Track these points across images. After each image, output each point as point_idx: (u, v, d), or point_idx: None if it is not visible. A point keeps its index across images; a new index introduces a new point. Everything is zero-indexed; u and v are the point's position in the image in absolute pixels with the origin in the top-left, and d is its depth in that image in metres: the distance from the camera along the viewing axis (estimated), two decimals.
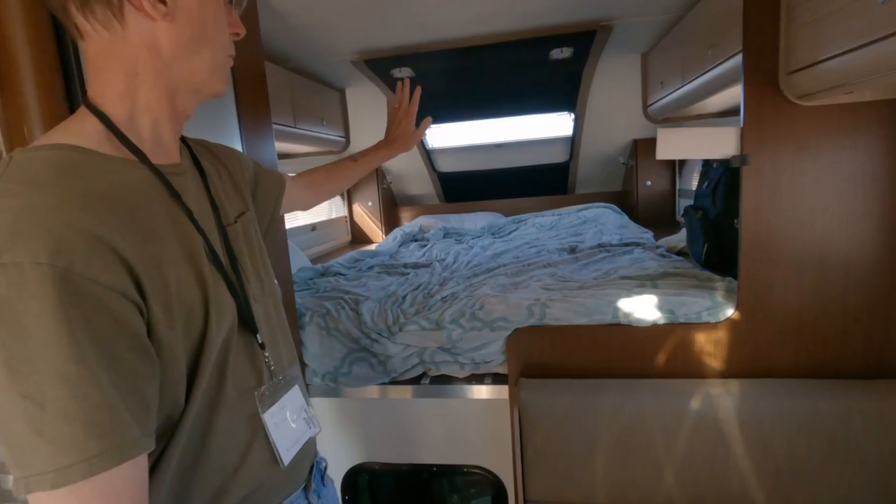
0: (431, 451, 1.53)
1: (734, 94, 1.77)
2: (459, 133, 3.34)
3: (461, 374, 1.46)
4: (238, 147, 1.22)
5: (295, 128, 2.16)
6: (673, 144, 1.22)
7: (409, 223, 3.43)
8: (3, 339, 0.43)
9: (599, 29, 1.91)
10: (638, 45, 2.33)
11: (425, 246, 2.94)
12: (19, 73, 0.75)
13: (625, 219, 3.00)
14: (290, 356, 0.77)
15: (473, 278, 1.85)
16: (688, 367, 1.31)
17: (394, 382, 1.49)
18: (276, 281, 0.81)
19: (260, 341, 0.67)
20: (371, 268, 2.28)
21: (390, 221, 3.68)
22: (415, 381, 1.49)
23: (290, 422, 0.71)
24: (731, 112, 2.24)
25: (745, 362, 1.28)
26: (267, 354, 0.68)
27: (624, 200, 3.37)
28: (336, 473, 1.58)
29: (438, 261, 2.36)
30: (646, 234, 2.53)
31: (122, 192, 0.52)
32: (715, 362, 1.30)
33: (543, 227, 3.12)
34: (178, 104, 0.61)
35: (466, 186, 3.62)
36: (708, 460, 1.21)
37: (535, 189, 3.57)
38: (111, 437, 0.45)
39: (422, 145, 3.19)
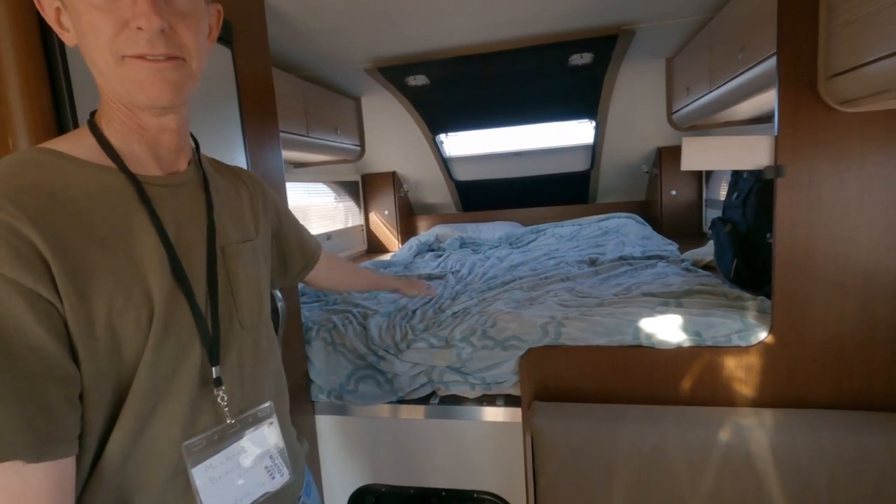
0: (440, 475, 1.46)
1: (766, 100, 1.67)
2: (477, 141, 3.28)
3: (472, 395, 1.39)
4: (242, 157, 1.18)
5: (308, 137, 2.13)
6: (699, 154, 1.14)
7: (425, 232, 3.38)
8: None
9: (621, 33, 1.83)
10: (662, 50, 2.24)
11: (441, 256, 2.88)
12: (4, 81, 0.72)
13: (648, 230, 2.89)
14: (267, 391, 0.68)
15: (487, 292, 1.78)
16: (715, 395, 1.21)
17: (402, 401, 1.43)
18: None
19: (216, 375, 0.59)
20: None
21: (406, 230, 3.64)
22: (423, 400, 1.42)
23: (237, 474, 0.61)
24: (762, 119, 2.13)
25: (780, 391, 1.18)
26: (221, 392, 0.59)
27: (647, 210, 3.25)
28: (342, 494, 1.52)
29: (453, 272, 2.29)
30: (670, 247, 2.42)
31: (78, 194, 0.51)
32: (746, 390, 1.19)
33: (563, 237, 3.03)
34: (140, 118, 0.58)
35: (484, 195, 3.56)
36: (738, 498, 1.11)
37: (555, 198, 3.49)
38: None
39: (439, 154, 3.15)
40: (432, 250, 3.12)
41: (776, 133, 1.10)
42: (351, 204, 3.44)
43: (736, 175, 1.77)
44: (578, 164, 3.23)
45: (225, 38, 1.10)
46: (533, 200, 3.55)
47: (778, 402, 1.17)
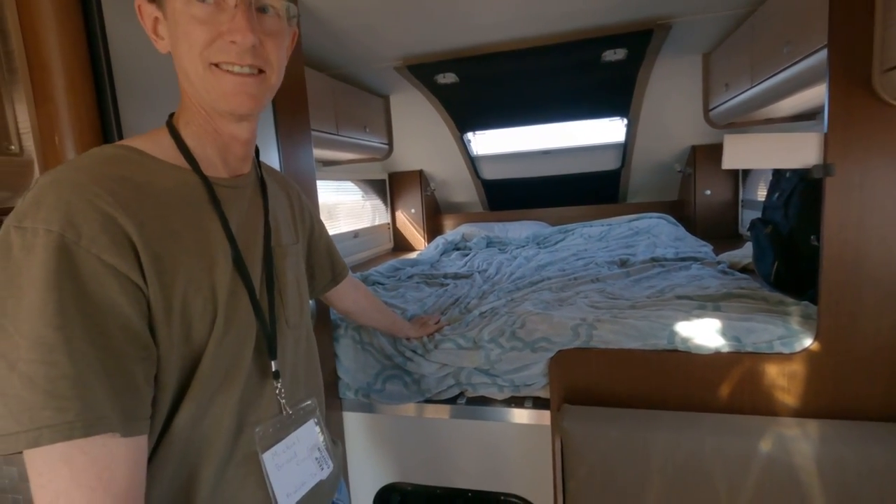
0: (466, 476, 1.44)
1: (811, 96, 1.60)
2: (504, 140, 3.25)
3: (500, 397, 1.37)
4: (275, 155, 1.20)
5: (338, 135, 2.15)
6: (742, 153, 1.09)
7: (452, 231, 3.37)
8: (2, 297, 0.45)
9: (656, 28, 1.78)
10: (699, 45, 2.16)
11: (467, 255, 2.87)
12: (52, 80, 0.74)
13: (680, 230, 2.81)
14: (312, 388, 0.73)
15: (515, 292, 1.76)
16: (756, 403, 1.16)
17: (429, 401, 1.42)
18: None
19: (274, 369, 0.63)
20: (410, 277, 2.23)
21: (433, 229, 3.64)
22: (451, 400, 1.41)
23: (295, 463, 0.65)
24: (805, 116, 2.04)
25: (826, 401, 1.12)
26: (279, 385, 0.64)
27: (680, 210, 3.17)
28: (367, 492, 1.53)
29: (479, 272, 2.27)
30: (704, 248, 2.34)
31: (158, 189, 0.55)
32: (789, 399, 1.14)
33: (592, 237, 2.97)
34: (208, 124, 0.62)
35: (511, 194, 3.52)
36: None
37: (584, 197, 3.43)
38: (69, 410, 0.44)
39: (466, 152, 3.13)
40: (458, 249, 3.11)
41: (826, 130, 1.04)
42: (378, 202, 3.46)
43: (777, 174, 1.70)
44: (608, 163, 3.16)
45: None
46: (561, 200, 3.50)
47: (824, 413, 1.12)
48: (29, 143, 0.74)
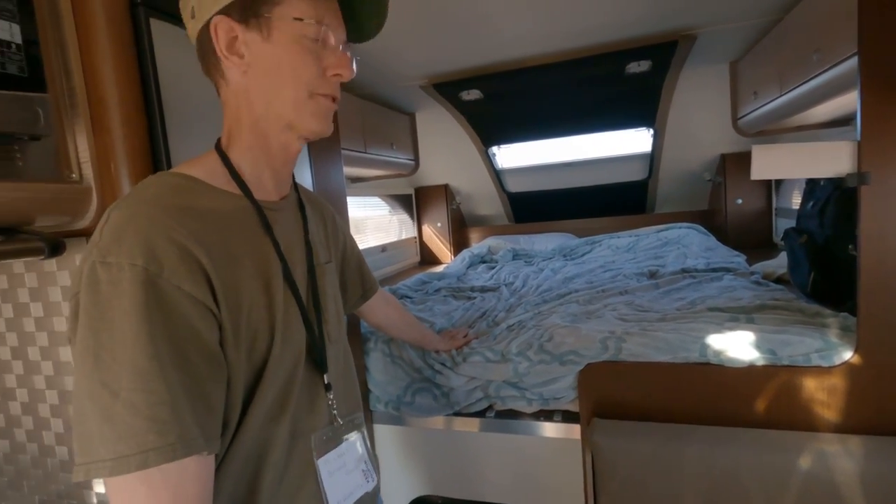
0: (497, 489, 1.44)
1: (844, 103, 1.56)
2: (529, 152, 3.26)
3: (528, 410, 1.37)
4: (308, 174, 1.25)
5: (365, 153, 2.21)
6: (771, 163, 1.08)
7: (478, 244, 3.39)
8: (96, 329, 0.48)
9: (681, 39, 1.77)
10: (725, 54, 2.14)
11: (493, 268, 2.88)
12: (108, 114, 0.80)
13: (711, 240, 2.75)
14: (354, 402, 0.76)
15: (542, 305, 1.76)
16: (793, 418, 1.13)
17: (458, 414, 1.43)
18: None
19: (326, 381, 0.67)
20: (437, 291, 2.26)
21: (459, 242, 3.67)
22: (480, 413, 1.42)
23: (345, 472, 0.68)
24: (840, 122, 1.99)
25: (868, 416, 1.08)
26: (331, 396, 0.67)
27: (710, 220, 3.10)
28: None
29: (506, 285, 2.28)
30: (737, 258, 2.29)
31: (217, 216, 0.58)
32: (829, 414, 1.11)
33: (619, 248, 2.94)
34: (274, 145, 0.65)
35: (537, 206, 3.52)
36: None
37: (611, 209, 3.40)
38: (170, 433, 0.47)
39: (491, 166, 3.16)
40: (485, 262, 3.12)
41: (859, 138, 1.03)
42: (405, 216, 3.52)
43: (812, 182, 1.66)
44: (635, 174, 3.14)
45: None
46: (587, 211, 3.48)
47: (866, 429, 1.08)
48: (88, 172, 0.80)
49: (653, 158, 2.91)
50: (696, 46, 1.88)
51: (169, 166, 0.85)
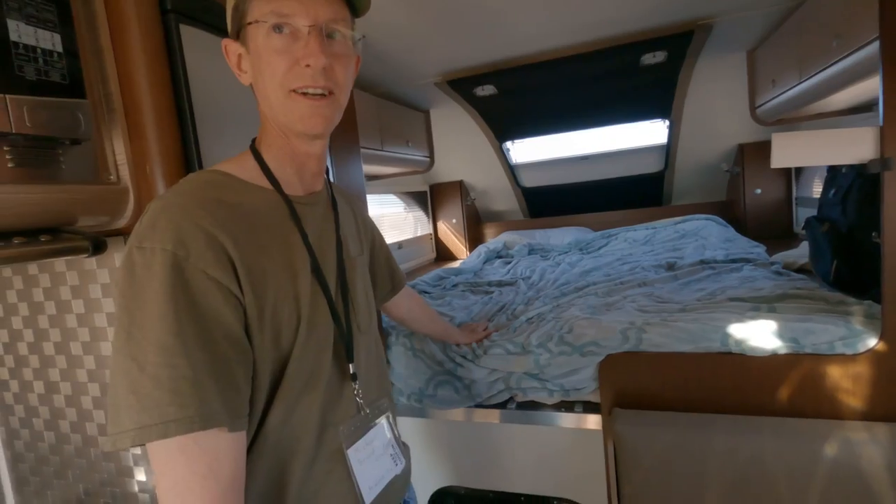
0: (519, 479, 1.46)
1: (864, 89, 1.54)
2: (544, 147, 3.26)
3: (550, 401, 1.39)
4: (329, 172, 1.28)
5: (382, 150, 2.24)
6: (791, 151, 1.08)
7: (493, 240, 3.40)
8: (130, 308, 0.52)
9: (697, 29, 1.76)
10: (742, 43, 2.12)
11: (510, 263, 2.88)
12: (143, 118, 0.84)
13: (730, 231, 2.72)
14: (383, 389, 0.78)
15: (561, 298, 1.77)
16: (818, 406, 1.13)
17: (480, 406, 1.45)
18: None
19: (352, 371, 0.69)
20: (455, 286, 2.28)
21: (474, 238, 3.68)
22: (501, 405, 1.44)
23: (374, 458, 0.70)
24: (862, 108, 1.96)
25: (893, 403, 1.08)
26: (357, 386, 0.69)
27: (728, 211, 3.07)
28: (422, 495, 1.57)
29: (523, 279, 2.29)
30: (756, 249, 2.27)
31: (248, 209, 0.61)
32: (854, 401, 1.10)
33: (636, 241, 2.93)
34: (286, 146, 0.68)
35: (552, 201, 3.52)
36: None
37: (627, 201, 3.38)
38: (190, 406, 0.50)
39: (505, 161, 3.17)
40: (501, 257, 3.13)
41: (881, 123, 1.02)
42: (420, 213, 3.54)
43: (833, 170, 1.64)
44: (651, 166, 3.11)
45: None
46: (603, 205, 3.46)
47: (893, 416, 1.07)
48: (125, 173, 0.84)
49: (669, 150, 2.88)
50: (712, 36, 1.87)
51: (200, 166, 0.88)
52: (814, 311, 1.24)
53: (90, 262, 0.91)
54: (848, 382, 1.11)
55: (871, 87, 1.51)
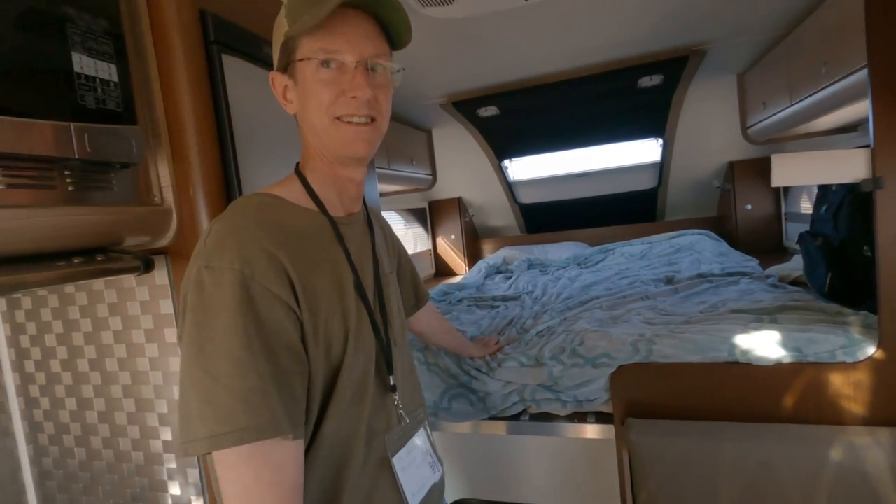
0: (533, 491, 1.49)
1: (849, 112, 1.63)
2: (541, 164, 3.35)
3: (563, 413, 1.43)
4: None
5: (389, 169, 2.29)
6: (790, 170, 1.15)
7: (493, 255, 3.46)
8: (201, 323, 0.55)
9: (692, 54, 1.86)
10: (733, 66, 2.23)
11: (510, 278, 2.94)
12: (186, 142, 0.88)
13: (724, 245, 2.81)
14: (417, 400, 0.82)
15: (567, 312, 1.82)
16: (821, 413, 1.18)
17: (493, 418, 1.48)
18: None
19: (392, 383, 0.72)
20: (460, 301, 2.32)
21: (472, 254, 3.74)
22: (514, 417, 1.47)
23: (415, 467, 0.73)
24: (844, 129, 2.06)
25: (893, 408, 1.13)
26: (397, 397, 0.73)
27: (720, 226, 3.17)
28: None
29: (527, 293, 2.34)
30: (750, 263, 2.35)
31: (299, 229, 0.66)
32: (856, 407, 1.16)
33: (633, 256, 3.00)
34: (330, 170, 0.72)
35: (549, 217, 3.60)
36: None
37: (621, 217, 3.47)
38: (260, 415, 0.53)
39: (504, 178, 3.24)
40: (500, 272, 3.18)
41: (872, 145, 1.09)
42: (420, 230, 3.60)
43: (824, 188, 1.72)
44: (645, 183, 3.21)
45: None
46: (597, 220, 3.55)
47: (893, 421, 1.13)
48: (168, 195, 0.88)
49: (662, 167, 2.98)
50: (705, 60, 1.97)
51: (240, 190, 0.92)
52: (813, 322, 1.31)
53: (129, 280, 0.94)
54: (849, 389, 1.16)
55: (855, 110, 1.60)
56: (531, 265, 3.19)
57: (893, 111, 1.07)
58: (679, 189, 3.18)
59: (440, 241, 3.68)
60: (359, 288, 0.69)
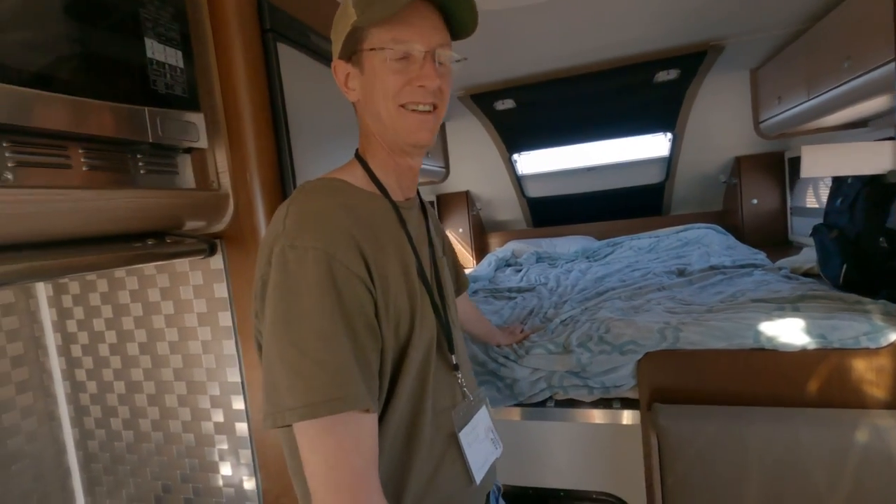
0: (558, 475, 1.52)
1: (862, 108, 1.67)
2: (550, 158, 3.37)
3: (589, 399, 1.46)
4: None
5: None
6: (820, 162, 1.18)
7: (501, 248, 3.48)
8: (287, 300, 0.58)
9: (710, 49, 1.89)
10: (747, 62, 2.26)
11: (520, 271, 2.97)
12: (243, 128, 0.89)
13: (731, 239, 2.85)
14: (472, 378, 0.84)
15: (587, 302, 1.85)
16: (846, 397, 1.22)
17: (519, 405, 1.51)
18: None
19: (454, 362, 0.75)
20: (475, 292, 2.34)
21: (480, 247, 3.76)
22: (539, 403, 1.50)
23: (479, 442, 0.76)
24: (854, 125, 2.10)
25: None
26: (460, 375, 0.75)
27: (725, 220, 3.21)
28: None
29: (542, 285, 2.37)
30: (758, 255, 2.39)
31: (368, 212, 0.68)
32: (879, 392, 1.20)
33: (641, 249, 3.04)
34: (391, 158, 0.74)
35: (555, 210, 3.63)
36: (879, 499, 1.11)
37: (628, 211, 3.51)
38: (347, 387, 0.56)
39: (513, 172, 3.27)
40: (510, 265, 3.21)
41: None
42: None
43: (838, 181, 1.76)
44: (652, 177, 3.25)
45: None
46: (604, 214, 3.58)
47: None
48: (225, 180, 0.89)
49: (670, 162, 3.02)
50: (721, 56, 2.00)
51: (294, 176, 0.94)
52: (834, 310, 1.34)
53: (182, 265, 0.95)
54: (872, 374, 1.20)
55: (871, 105, 1.64)
56: (540, 258, 3.22)
57: None
58: (685, 183, 3.22)
59: (448, 235, 3.69)
60: (420, 270, 0.72)
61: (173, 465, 1.03)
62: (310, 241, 0.59)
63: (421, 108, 0.69)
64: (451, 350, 0.75)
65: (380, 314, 0.63)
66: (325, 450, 0.56)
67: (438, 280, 0.78)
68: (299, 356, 0.56)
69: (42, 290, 1.07)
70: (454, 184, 3.52)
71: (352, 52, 0.71)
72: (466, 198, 3.56)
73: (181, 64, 0.79)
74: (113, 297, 1.02)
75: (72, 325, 1.06)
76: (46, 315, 1.07)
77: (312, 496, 0.57)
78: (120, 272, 1.01)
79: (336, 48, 0.73)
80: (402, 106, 0.69)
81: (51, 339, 1.08)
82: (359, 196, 0.70)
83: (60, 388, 1.09)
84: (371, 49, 0.68)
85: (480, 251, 3.72)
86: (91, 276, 1.03)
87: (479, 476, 0.74)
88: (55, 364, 1.09)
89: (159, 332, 1.00)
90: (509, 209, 3.71)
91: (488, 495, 0.83)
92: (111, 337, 1.04)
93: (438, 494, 0.71)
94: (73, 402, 1.09)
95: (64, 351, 1.08)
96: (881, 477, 1.11)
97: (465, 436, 0.73)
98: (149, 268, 0.98)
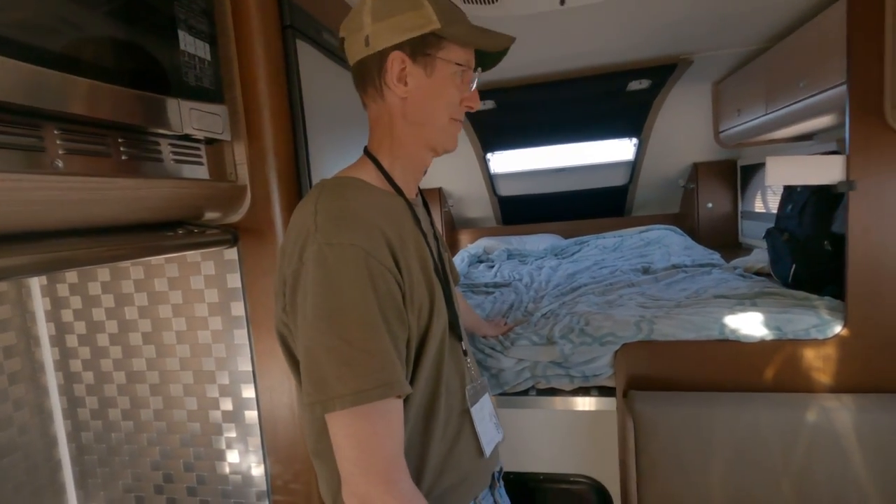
0: (537, 460, 1.61)
1: (811, 124, 1.85)
2: (521, 158, 3.48)
3: (569, 388, 1.55)
4: None
5: None
6: (782, 171, 1.31)
7: (473, 245, 3.56)
8: (328, 295, 0.61)
9: (680, 62, 2.02)
10: (712, 75, 2.43)
11: (493, 267, 3.05)
12: (262, 121, 0.91)
13: (688, 240, 3.05)
14: (477, 366, 0.90)
15: (562, 297, 1.95)
16: (796, 382, 1.37)
17: (502, 394, 1.58)
18: None
19: (464, 348, 0.81)
20: None
21: (450, 244, 3.82)
22: (522, 392, 1.58)
23: (486, 422, 0.83)
24: (801, 139, 2.31)
25: (855, 378, 1.33)
26: (469, 361, 0.81)
27: (682, 222, 3.42)
28: None
29: (518, 280, 2.46)
30: (713, 256, 2.58)
31: (390, 210, 0.73)
32: (825, 378, 1.35)
33: (607, 248, 3.19)
34: (418, 156, 0.79)
35: (524, 209, 3.74)
36: (827, 474, 1.26)
37: (592, 211, 3.67)
38: (392, 373, 0.61)
39: (486, 171, 3.34)
40: (482, 262, 3.29)
41: (847, 153, 1.27)
42: None
43: (789, 189, 1.94)
44: (617, 179, 3.41)
45: None
46: (570, 214, 3.73)
47: (854, 389, 1.33)
48: (243, 172, 0.91)
49: (634, 166, 3.19)
50: (690, 68, 2.14)
51: (310, 170, 0.96)
52: (787, 306, 1.49)
53: (194, 255, 0.96)
54: (820, 362, 1.35)
55: (818, 122, 1.81)
56: (510, 255, 3.32)
57: (867, 125, 1.25)
58: (647, 187, 3.41)
59: None
60: (433, 261, 0.77)
61: (175, 455, 1.03)
62: (346, 238, 0.63)
63: (461, 121, 0.78)
64: (460, 337, 0.81)
65: (406, 305, 0.68)
66: (361, 435, 0.60)
67: (445, 273, 0.83)
68: (346, 347, 0.60)
69: (35, 279, 1.04)
70: (427, 181, 3.56)
71: (423, 52, 0.72)
72: (439, 195, 3.61)
73: (209, 56, 0.80)
74: (115, 286, 1.01)
75: (67, 315, 1.04)
76: (39, 305, 1.05)
77: (344, 479, 0.61)
78: (124, 262, 1.00)
79: (395, 39, 0.71)
80: (453, 118, 0.77)
81: (43, 330, 1.05)
82: (378, 195, 0.74)
83: (53, 380, 1.07)
84: (446, 60, 0.73)
85: (451, 247, 3.79)
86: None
87: (488, 450, 0.80)
88: (48, 355, 1.06)
89: (165, 321, 1.00)
90: (480, 207, 3.79)
91: (493, 476, 0.90)
92: (112, 327, 1.02)
93: (455, 471, 0.76)
94: (66, 394, 1.07)
95: (57, 341, 1.06)
96: (827, 452, 1.26)
97: (476, 412, 0.79)
98: (157, 258, 0.98)
